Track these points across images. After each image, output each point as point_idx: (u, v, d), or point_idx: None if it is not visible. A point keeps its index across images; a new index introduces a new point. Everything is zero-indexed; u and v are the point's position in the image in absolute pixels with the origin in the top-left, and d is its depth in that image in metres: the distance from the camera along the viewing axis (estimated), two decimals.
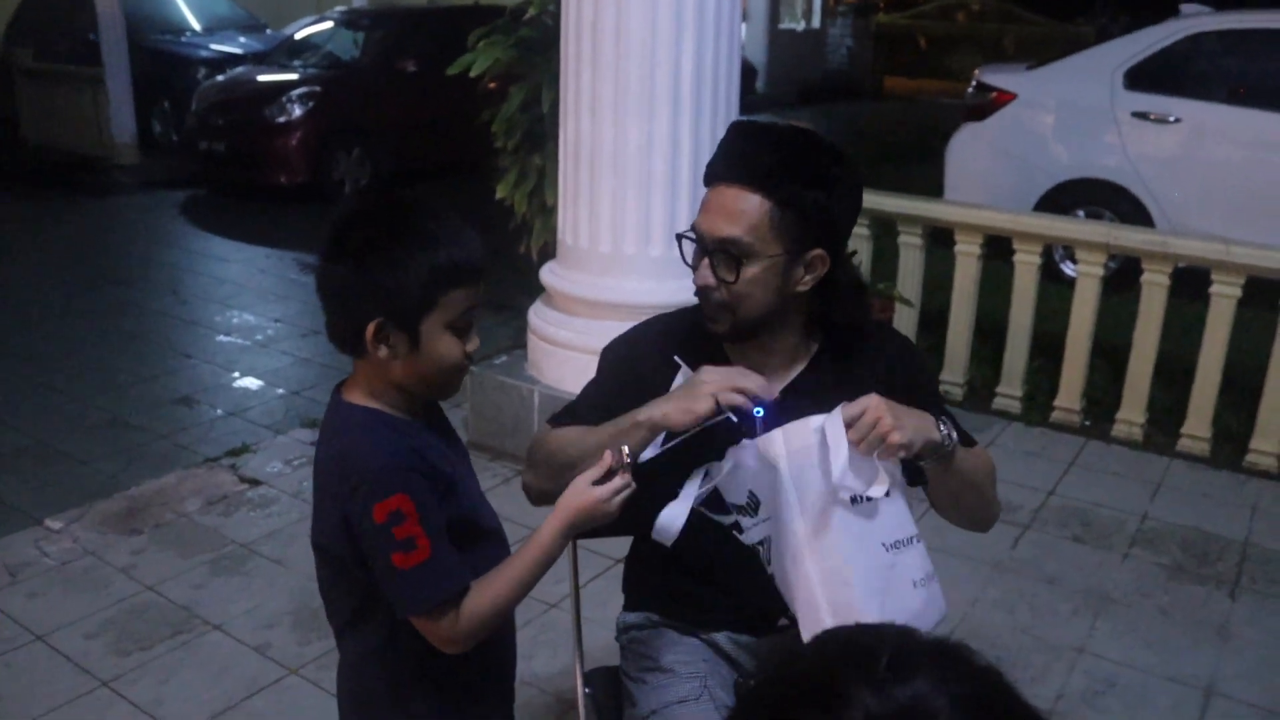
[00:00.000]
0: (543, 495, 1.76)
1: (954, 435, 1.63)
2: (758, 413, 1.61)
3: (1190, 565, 3.53)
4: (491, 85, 5.40)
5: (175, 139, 10.59)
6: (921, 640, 0.72)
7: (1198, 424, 4.34)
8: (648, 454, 1.58)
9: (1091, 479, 4.13)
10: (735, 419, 1.60)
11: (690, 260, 1.72)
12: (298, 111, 8.93)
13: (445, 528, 1.47)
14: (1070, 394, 4.60)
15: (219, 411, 4.71)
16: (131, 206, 9.16)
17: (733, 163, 1.64)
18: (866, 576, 1.58)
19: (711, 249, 1.65)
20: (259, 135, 8.92)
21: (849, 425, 1.54)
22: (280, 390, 4.97)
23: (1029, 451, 4.32)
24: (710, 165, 1.68)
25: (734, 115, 4.01)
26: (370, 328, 1.43)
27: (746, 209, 1.61)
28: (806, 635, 1.61)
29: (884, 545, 1.59)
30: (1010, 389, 4.71)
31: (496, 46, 4.83)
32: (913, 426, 1.55)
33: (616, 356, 1.85)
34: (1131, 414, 4.47)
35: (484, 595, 1.48)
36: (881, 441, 1.53)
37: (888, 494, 1.57)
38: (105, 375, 5.12)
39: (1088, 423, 4.59)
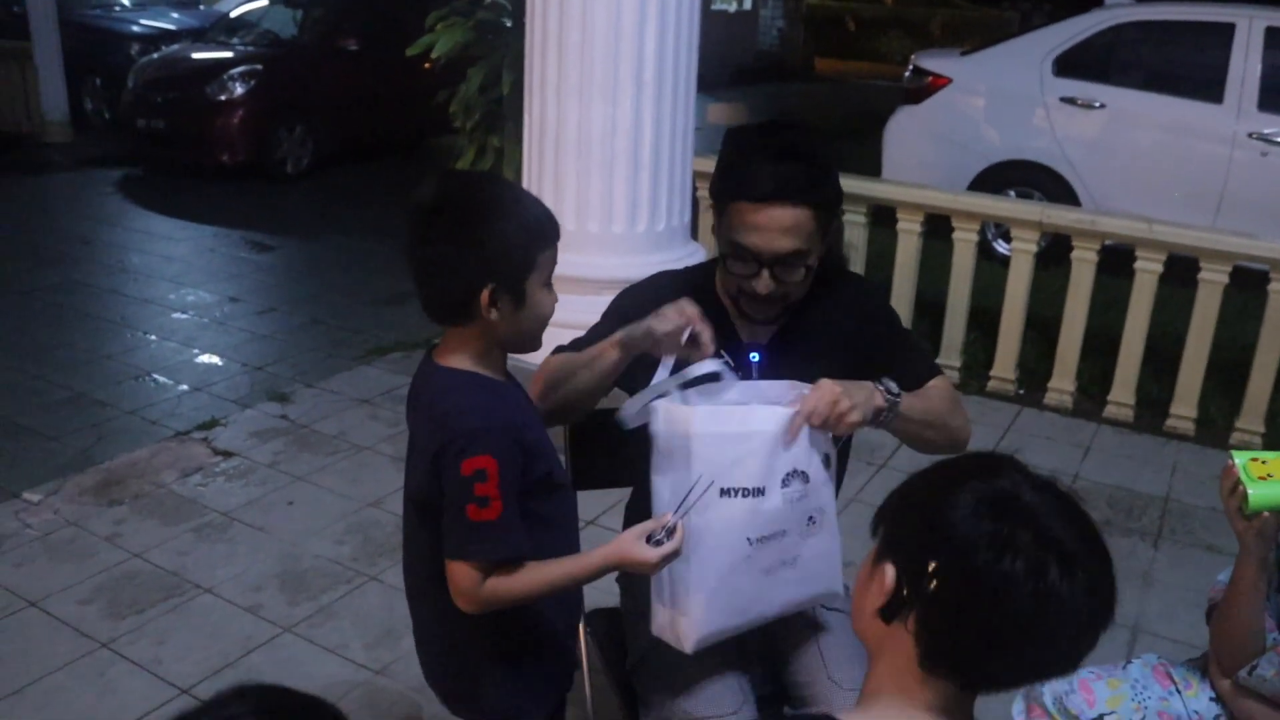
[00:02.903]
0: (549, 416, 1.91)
1: (894, 394, 1.80)
2: (754, 358, 1.81)
3: (1117, 520, 3.82)
4: (427, 65, 5.52)
5: (109, 116, 10.45)
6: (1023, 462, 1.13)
7: (1123, 391, 4.65)
8: (694, 497, 1.66)
9: (1026, 444, 4.41)
10: (732, 364, 1.79)
11: (740, 272, 1.87)
12: (239, 90, 8.90)
13: (520, 496, 1.60)
14: (1005, 365, 4.88)
15: (184, 387, 4.78)
16: (67, 185, 9.03)
17: (778, 183, 1.79)
18: (709, 564, 1.69)
19: (771, 262, 1.83)
20: (200, 113, 8.86)
21: (808, 415, 1.68)
22: (243, 366, 5.05)
23: (968, 419, 4.57)
24: (744, 184, 1.81)
25: (692, 100, 4.20)
26: (485, 294, 1.57)
27: (801, 222, 1.80)
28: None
29: (748, 539, 1.69)
30: (949, 360, 4.97)
31: (457, 29, 4.95)
32: (862, 401, 1.73)
33: (626, 302, 2.04)
34: (1062, 383, 4.76)
35: (514, 579, 1.61)
36: (840, 421, 1.69)
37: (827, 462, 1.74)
38: (63, 352, 5.14)
39: (1022, 391, 4.89)
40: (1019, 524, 1.03)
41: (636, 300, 2.02)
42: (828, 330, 1.97)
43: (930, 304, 5.14)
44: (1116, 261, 4.86)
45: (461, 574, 1.60)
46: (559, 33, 3.88)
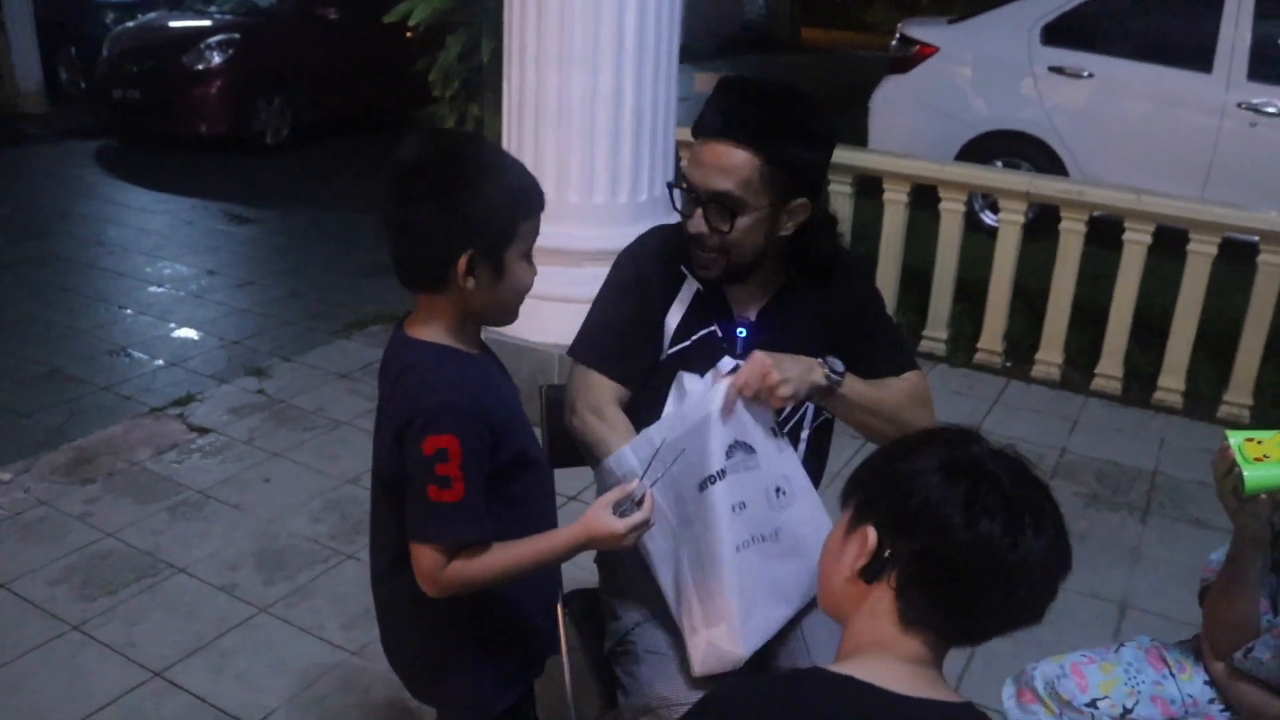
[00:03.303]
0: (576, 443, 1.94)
1: (837, 373, 1.78)
2: (740, 333, 1.78)
3: (1105, 494, 3.79)
4: (409, 34, 5.42)
5: (85, 86, 10.27)
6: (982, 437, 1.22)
7: (1110, 364, 4.61)
8: (658, 465, 1.66)
9: (1014, 416, 4.37)
10: (720, 335, 1.81)
11: (681, 208, 1.86)
12: (217, 59, 8.74)
13: (489, 476, 1.55)
14: (992, 337, 4.83)
15: (159, 362, 4.70)
16: (42, 157, 8.89)
17: (726, 120, 1.76)
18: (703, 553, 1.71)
19: (705, 200, 1.79)
20: (177, 84, 8.71)
21: (740, 387, 1.68)
22: (219, 340, 4.97)
23: (955, 391, 4.55)
24: (701, 119, 1.80)
25: (674, 69, 4.11)
26: (462, 261, 1.50)
27: (739, 164, 1.75)
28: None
29: (733, 507, 1.70)
30: (936, 332, 4.92)
31: None
32: (796, 376, 1.72)
33: (624, 271, 1.99)
34: (1050, 355, 4.72)
35: (479, 563, 1.55)
36: (771, 393, 1.69)
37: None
38: (38, 327, 5.05)
39: (1009, 364, 4.84)
40: (990, 485, 1.12)
41: (639, 265, 1.98)
42: (815, 309, 1.93)
43: (916, 276, 5.09)
44: (1104, 233, 4.81)
45: (424, 556, 1.54)
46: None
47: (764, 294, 1.94)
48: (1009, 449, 1.18)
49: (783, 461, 1.77)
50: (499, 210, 1.51)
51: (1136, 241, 4.45)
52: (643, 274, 1.96)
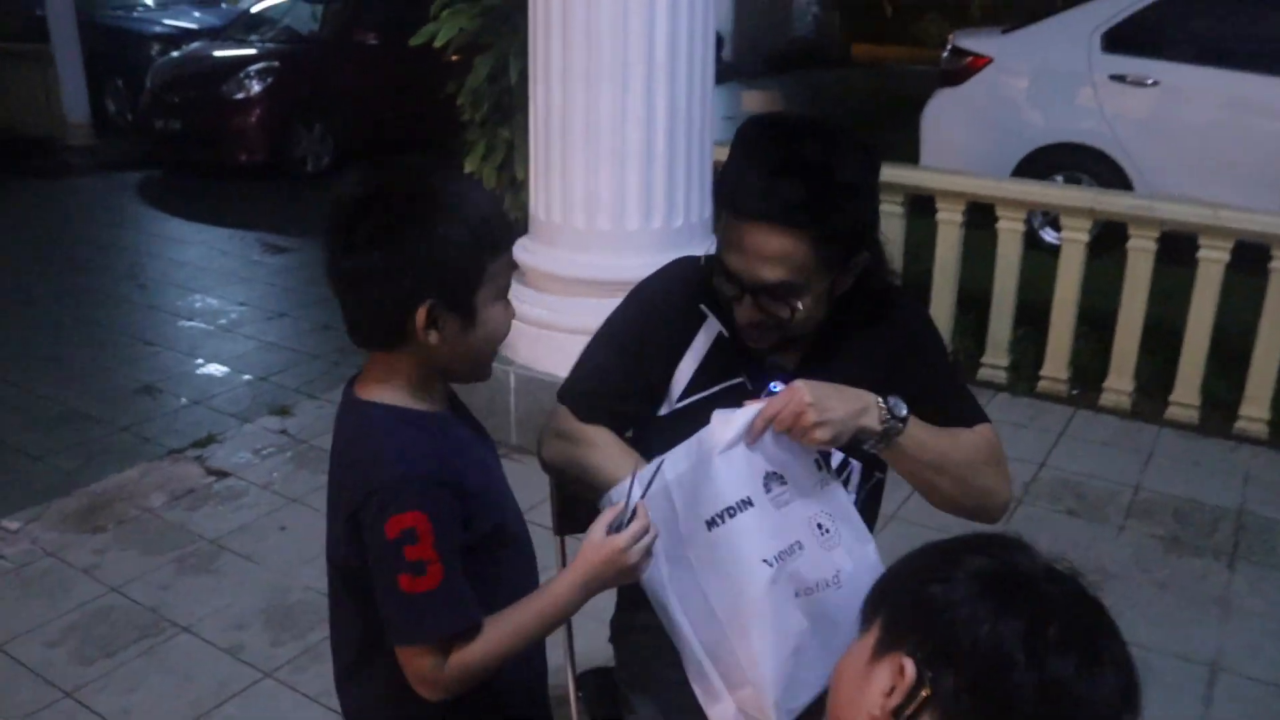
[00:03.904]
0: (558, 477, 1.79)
1: (898, 417, 1.52)
2: (774, 388, 1.54)
3: (1186, 536, 3.46)
4: (455, 57, 5.25)
5: (131, 118, 10.30)
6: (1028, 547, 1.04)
7: (1186, 391, 4.27)
8: (643, 479, 1.45)
9: (1082, 449, 4.06)
10: (751, 387, 1.59)
11: (722, 290, 1.60)
12: (256, 88, 8.70)
13: (462, 552, 1.32)
14: (1057, 363, 4.52)
15: (183, 400, 4.54)
16: (87, 189, 8.90)
17: (762, 201, 1.49)
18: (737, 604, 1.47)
19: (753, 290, 1.54)
20: (217, 113, 8.68)
21: (769, 418, 1.46)
22: (246, 376, 4.81)
23: (1017, 423, 4.24)
24: (732, 193, 1.53)
25: (709, 85, 3.88)
26: (421, 313, 1.28)
27: (787, 251, 1.50)
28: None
29: (764, 560, 1.46)
30: (996, 359, 4.62)
31: (461, 16, 4.68)
32: (840, 418, 1.46)
33: (627, 309, 1.75)
34: (1119, 382, 4.40)
35: (478, 648, 1.32)
36: (804, 434, 1.45)
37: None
38: (61, 365, 4.93)
39: (1075, 392, 4.53)
40: (1051, 613, 0.95)
41: (657, 300, 1.73)
42: (865, 353, 1.66)
43: (974, 299, 4.79)
44: (1175, 249, 4.48)
45: (415, 660, 1.31)
46: (563, 11, 3.58)
47: (803, 339, 1.67)
48: (1060, 562, 1.02)
49: (827, 496, 1.53)
50: (460, 250, 1.29)
51: (1213, 259, 4.12)
52: (648, 314, 1.71)
